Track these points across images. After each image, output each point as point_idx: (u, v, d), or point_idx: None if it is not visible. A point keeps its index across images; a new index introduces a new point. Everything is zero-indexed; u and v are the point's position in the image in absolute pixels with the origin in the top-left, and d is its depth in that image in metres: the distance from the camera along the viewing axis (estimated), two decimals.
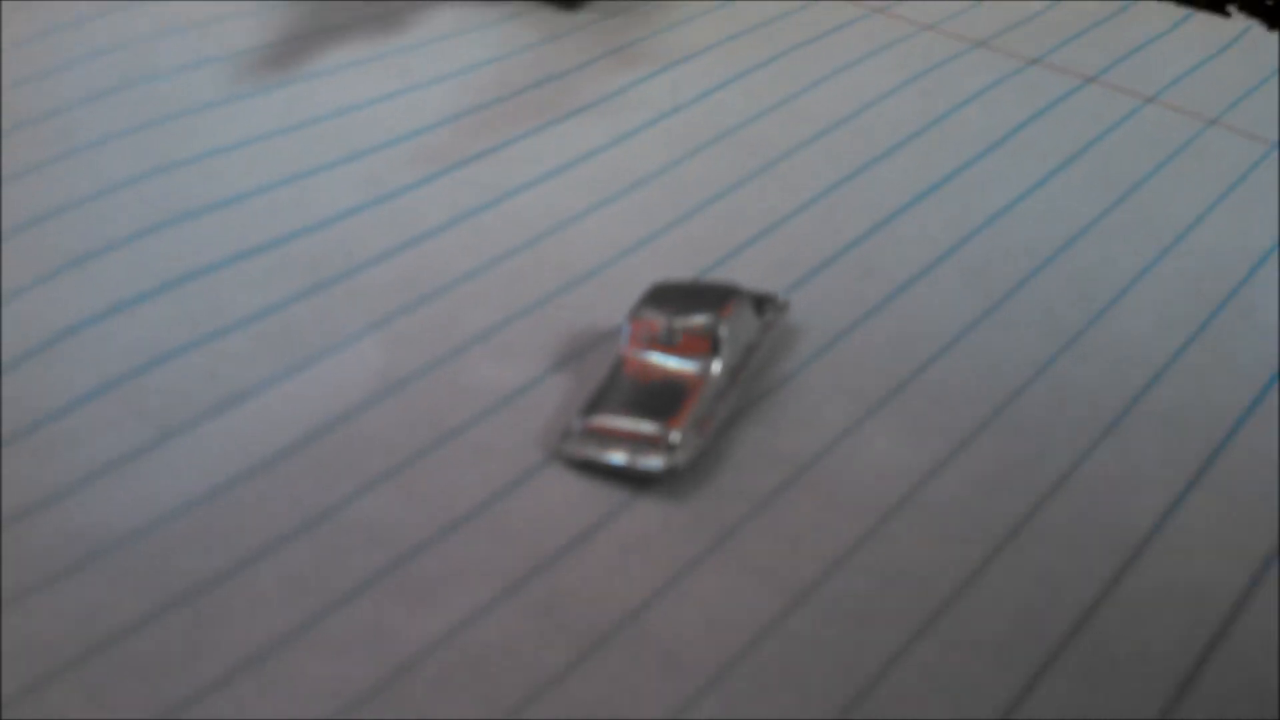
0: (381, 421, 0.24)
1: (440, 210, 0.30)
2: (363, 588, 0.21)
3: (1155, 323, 0.28)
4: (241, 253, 0.28)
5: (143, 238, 0.28)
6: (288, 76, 0.34)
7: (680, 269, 0.29)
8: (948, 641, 0.21)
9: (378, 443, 0.24)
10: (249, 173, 0.30)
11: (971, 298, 0.29)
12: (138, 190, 0.29)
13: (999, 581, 0.22)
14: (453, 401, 0.25)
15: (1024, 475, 0.24)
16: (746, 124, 0.34)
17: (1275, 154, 0.34)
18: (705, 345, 0.25)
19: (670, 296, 0.25)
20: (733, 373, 0.25)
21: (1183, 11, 0.41)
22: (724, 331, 0.25)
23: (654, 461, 0.23)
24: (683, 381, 0.24)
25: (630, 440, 0.23)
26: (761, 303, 0.27)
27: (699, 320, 0.25)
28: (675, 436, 0.23)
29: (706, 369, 0.25)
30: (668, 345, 0.25)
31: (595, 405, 0.24)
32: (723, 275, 0.29)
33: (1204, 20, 0.41)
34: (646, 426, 0.24)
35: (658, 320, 0.25)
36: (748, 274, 0.29)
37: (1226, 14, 0.42)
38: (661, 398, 0.24)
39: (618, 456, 0.23)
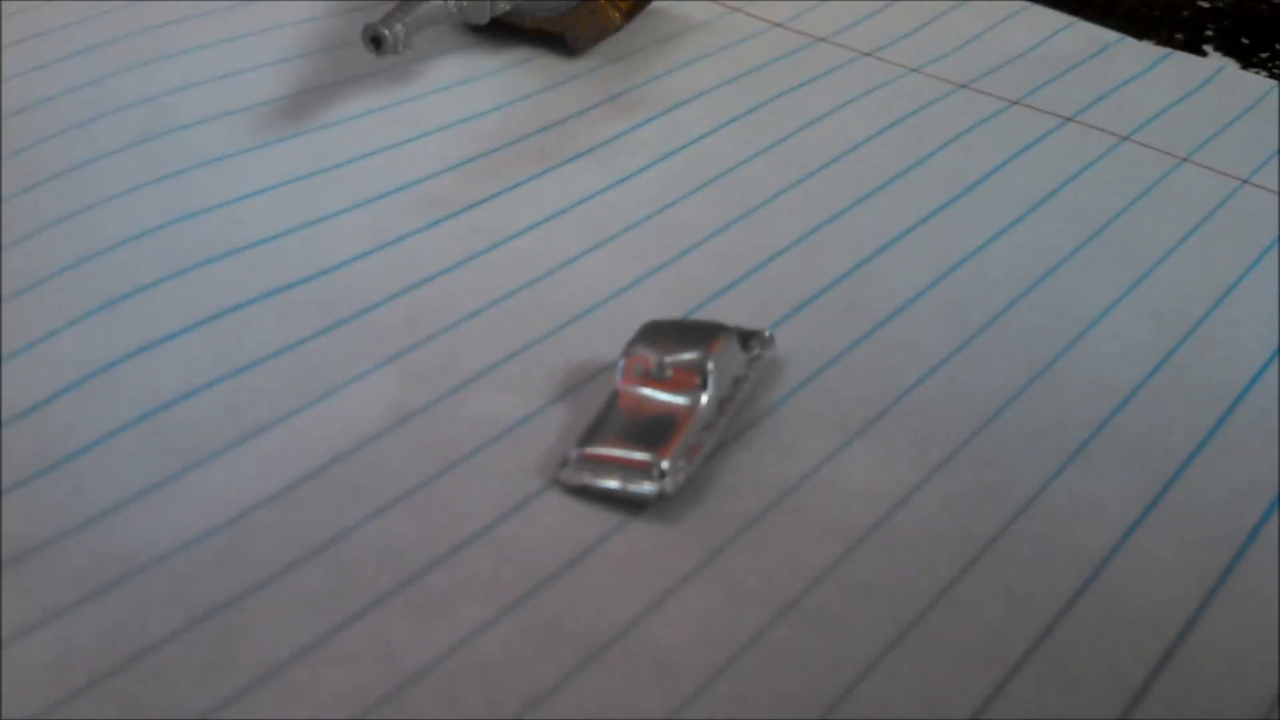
0: (391, 451, 0.25)
1: (445, 253, 0.31)
2: (373, 605, 0.23)
3: (1121, 354, 0.29)
4: (260, 295, 0.29)
5: (168, 281, 0.29)
6: (301, 127, 0.35)
7: (672, 306, 0.30)
8: (920, 652, 0.23)
9: (388, 471, 0.25)
10: (266, 220, 0.31)
11: (949, 331, 0.30)
12: (163, 237, 0.30)
13: (968, 597, 0.24)
14: (458, 432, 0.26)
15: (993, 498, 0.26)
16: (736, 167, 0.35)
17: (1243, 190, 0.36)
18: (694, 380, 0.26)
19: (661, 334, 0.27)
20: (720, 404, 0.26)
21: (1162, 51, 0.43)
22: (711, 367, 0.26)
23: (646, 487, 0.25)
24: (673, 413, 0.26)
25: (624, 467, 0.25)
26: (748, 337, 0.28)
27: (688, 357, 0.26)
28: (666, 464, 0.25)
29: (696, 401, 0.26)
30: (659, 380, 0.26)
31: (591, 435, 0.25)
32: (712, 311, 0.30)
33: (1181, 60, 0.42)
34: (639, 455, 0.25)
35: (650, 357, 0.26)
36: (736, 310, 0.30)
37: (1203, 52, 0.43)
38: (653, 428, 0.25)
39: (612, 483, 0.25)
